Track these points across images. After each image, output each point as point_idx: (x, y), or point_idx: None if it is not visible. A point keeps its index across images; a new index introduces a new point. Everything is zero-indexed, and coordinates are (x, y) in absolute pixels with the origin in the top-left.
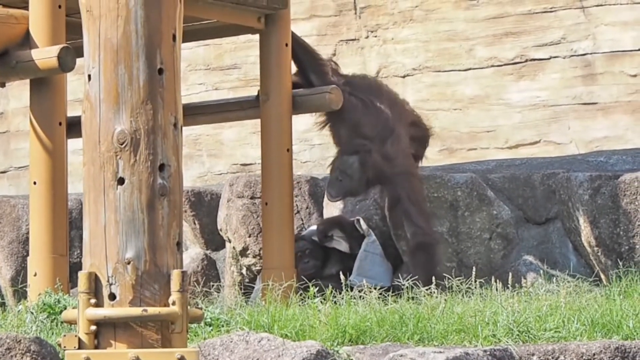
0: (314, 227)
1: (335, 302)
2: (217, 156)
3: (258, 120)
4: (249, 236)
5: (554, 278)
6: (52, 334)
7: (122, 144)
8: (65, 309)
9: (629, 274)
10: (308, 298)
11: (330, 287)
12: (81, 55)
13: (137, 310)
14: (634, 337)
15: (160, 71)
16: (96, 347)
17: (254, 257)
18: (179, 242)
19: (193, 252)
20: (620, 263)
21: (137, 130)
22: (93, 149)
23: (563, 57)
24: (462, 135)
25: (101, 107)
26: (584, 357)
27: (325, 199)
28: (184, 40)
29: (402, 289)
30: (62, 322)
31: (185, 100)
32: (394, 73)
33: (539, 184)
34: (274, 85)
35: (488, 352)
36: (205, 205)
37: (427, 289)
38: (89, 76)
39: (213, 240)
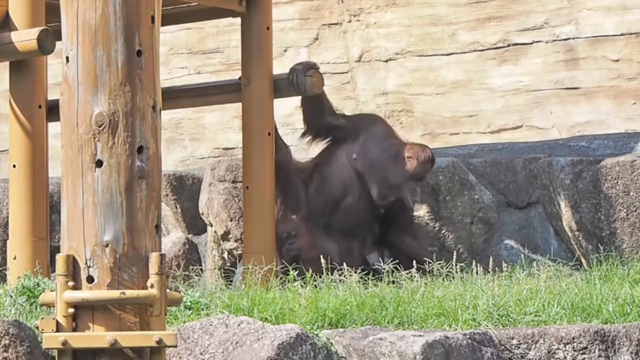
0: None
1: (315, 286)
2: (199, 140)
3: (240, 104)
4: (231, 220)
5: (535, 262)
6: (32, 317)
7: (100, 126)
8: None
9: (609, 259)
10: (288, 282)
11: (310, 270)
12: (61, 38)
13: (115, 293)
14: (614, 321)
15: (139, 53)
16: (74, 330)
17: (236, 241)
18: (157, 225)
19: (175, 236)
20: (601, 247)
21: (116, 112)
22: (71, 131)
23: (545, 42)
24: (445, 120)
25: (79, 89)
26: (563, 341)
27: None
28: (166, 24)
29: (383, 273)
30: (41, 305)
31: (167, 83)
32: (376, 57)
33: (521, 168)
34: (255, 69)
35: (468, 336)
36: (186, 189)
37: (407, 273)
38: (67, 58)
39: (195, 224)
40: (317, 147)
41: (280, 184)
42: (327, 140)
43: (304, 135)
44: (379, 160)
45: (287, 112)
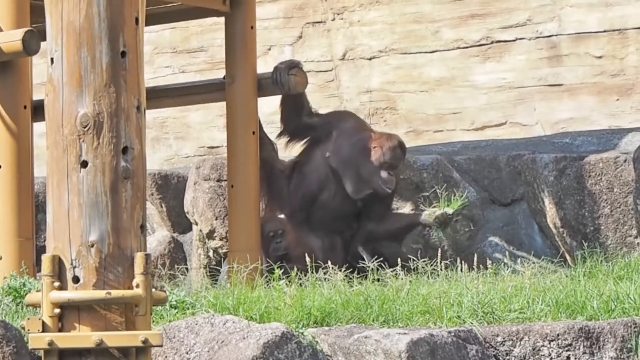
0: None
1: (300, 284)
2: (184, 139)
3: (224, 103)
4: (216, 219)
5: (519, 259)
6: (18, 317)
7: (85, 127)
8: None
9: (593, 255)
10: (273, 280)
11: (295, 269)
12: (46, 38)
13: (100, 293)
14: (598, 318)
15: (123, 54)
16: (60, 330)
17: (221, 239)
18: (142, 225)
19: (160, 235)
20: (585, 244)
21: (100, 113)
22: (56, 132)
23: (529, 39)
24: (429, 117)
25: (64, 90)
26: (548, 338)
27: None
28: (150, 23)
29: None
30: (27, 306)
31: (152, 83)
32: (360, 55)
33: (505, 165)
34: (240, 68)
35: (452, 334)
36: (172, 188)
37: (392, 271)
38: (52, 59)
39: (180, 223)
40: (295, 149)
41: (266, 180)
42: (305, 141)
43: (279, 135)
44: (350, 156)
45: (271, 111)
